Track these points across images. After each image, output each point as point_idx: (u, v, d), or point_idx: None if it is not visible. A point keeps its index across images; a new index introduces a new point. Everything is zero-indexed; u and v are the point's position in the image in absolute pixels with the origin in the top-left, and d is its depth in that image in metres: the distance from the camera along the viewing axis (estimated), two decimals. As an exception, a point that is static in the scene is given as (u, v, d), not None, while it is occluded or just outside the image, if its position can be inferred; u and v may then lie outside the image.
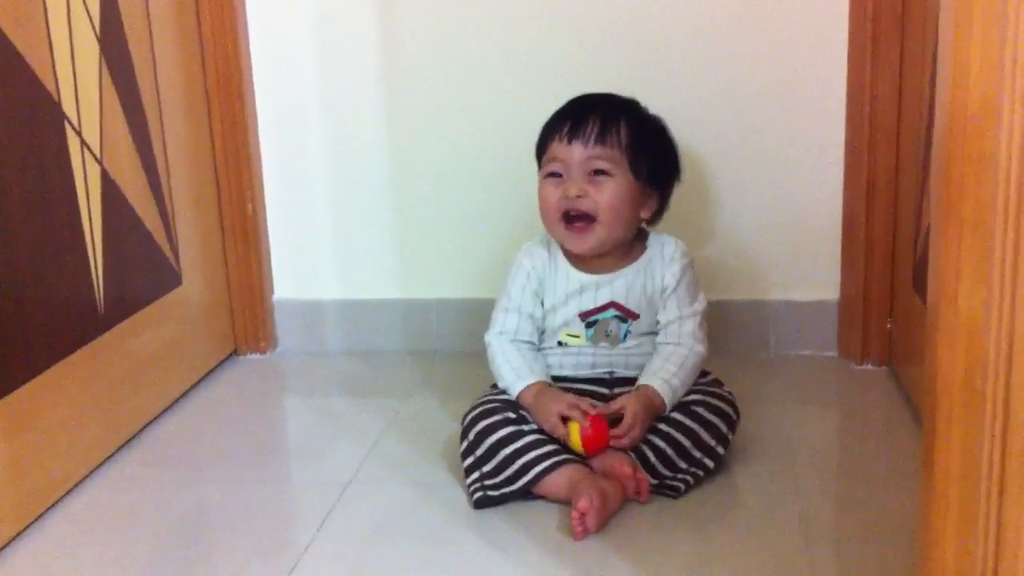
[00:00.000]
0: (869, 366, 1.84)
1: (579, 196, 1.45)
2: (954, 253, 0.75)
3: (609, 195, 1.45)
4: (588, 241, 1.47)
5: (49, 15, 1.44)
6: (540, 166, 1.52)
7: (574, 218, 1.47)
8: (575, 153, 1.46)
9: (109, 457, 1.58)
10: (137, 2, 1.68)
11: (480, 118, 1.88)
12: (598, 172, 1.46)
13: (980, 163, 0.73)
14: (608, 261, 1.52)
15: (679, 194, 1.64)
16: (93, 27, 1.55)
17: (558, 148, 1.47)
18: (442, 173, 1.93)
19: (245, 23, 1.90)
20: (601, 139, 1.45)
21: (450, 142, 1.91)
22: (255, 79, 1.93)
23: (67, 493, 1.47)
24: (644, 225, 1.54)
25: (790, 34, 1.79)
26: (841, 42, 1.77)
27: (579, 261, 1.52)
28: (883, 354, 1.83)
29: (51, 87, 1.44)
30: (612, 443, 1.39)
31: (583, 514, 1.28)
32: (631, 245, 1.53)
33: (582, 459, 1.40)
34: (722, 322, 1.88)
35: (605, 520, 1.32)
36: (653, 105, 1.56)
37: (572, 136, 1.46)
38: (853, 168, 1.80)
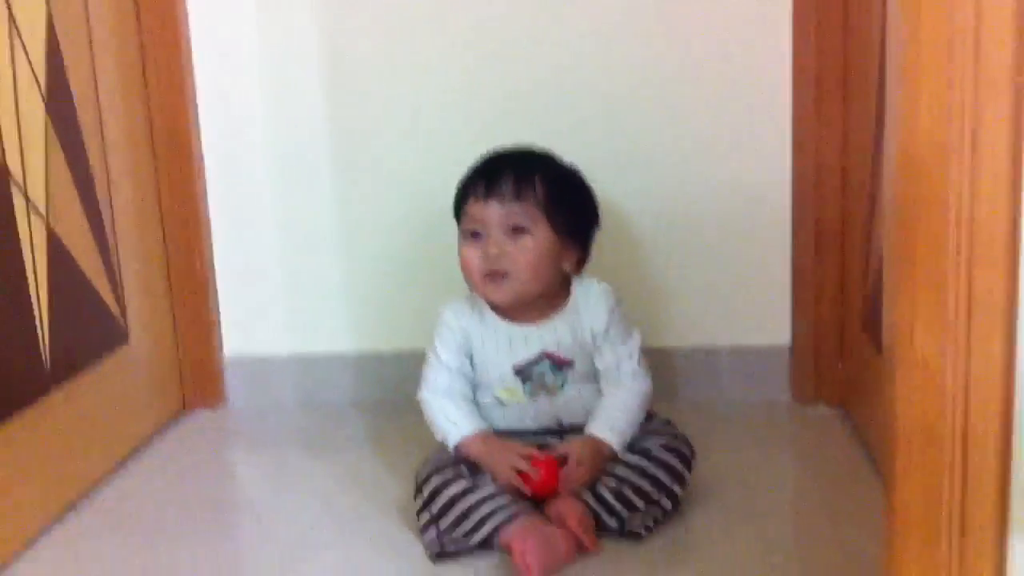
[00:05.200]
0: (822, 408, 1.85)
1: (498, 255, 1.45)
2: (908, 298, 0.76)
3: (527, 253, 1.46)
4: (503, 291, 1.48)
5: (-8, 72, 1.42)
6: (459, 223, 1.52)
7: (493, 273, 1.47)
8: (492, 212, 1.46)
9: (55, 520, 1.53)
10: (83, 61, 1.66)
11: (428, 170, 1.88)
12: (516, 229, 1.46)
13: (932, 207, 0.74)
14: (534, 311, 1.52)
15: (627, 241, 1.64)
16: (38, 85, 1.53)
17: (475, 207, 1.47)
18: (391, 225, 1.93)
19: (192, 82, 1.90)
20: (517, 196, 1.45)
21: (398, 194, 1.92)
22: (203, 135, 1.92)
23: (10, 560, 1.42)
24: (569, 273, 1.53)
25: (735, 78, 1.81)
26: (786, 86, 1.79)
27: (506, 313, 1.52)
28: (835, 396, 1.85)
29: (-5, 144, 1.42)
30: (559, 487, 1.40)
31: (522, 553, 1.28)
32: (556, 294, 1.53)
33: (538, 509, 1.39)
34: (673, 369, 1.89)
35: (552, 562, 1.30)
36: (597, 154, 1.57)
37: (488, 195, 1.46)
38: (801, 211, 1.82)
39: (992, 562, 0.77)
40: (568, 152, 1.55)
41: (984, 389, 0.74)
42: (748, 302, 1.89)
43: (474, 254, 1.48)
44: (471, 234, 1.48)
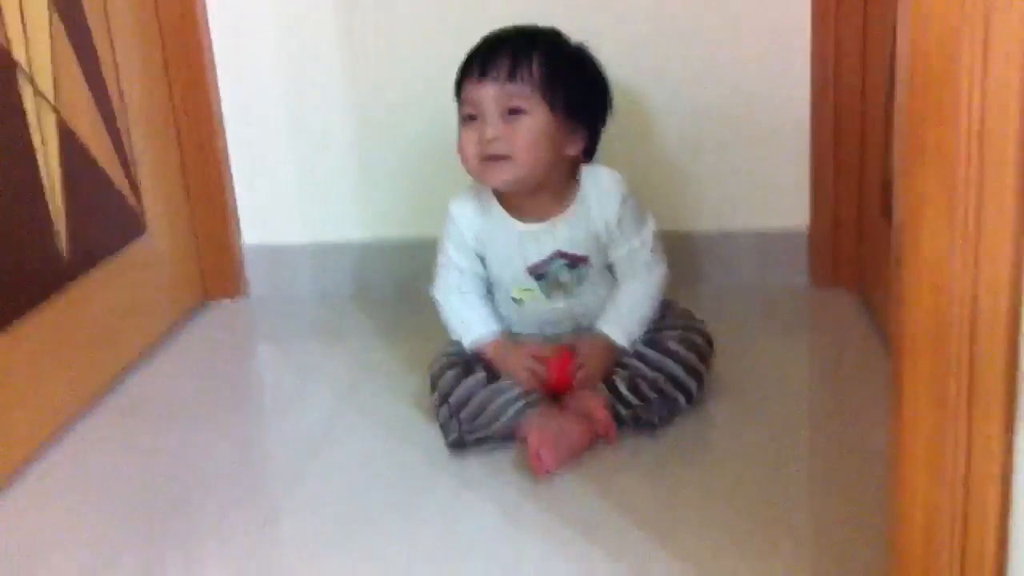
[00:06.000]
0: (840, 292, 1.85)
1: (494, 139, 1.39)
2: (917, 197, 0.75)
3: (524, 134, 1.39)
4: (502, 174, 1.41)
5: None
6: (458, 107, 1.46)
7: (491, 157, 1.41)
8: (487, 93, 1.39)
9: (81, 411, 1.56)
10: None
11: (440, 57, 1.84)
12: (513, 111, 1.39)
13: (942, 100, 0.72)
14: (543, 204, 1.46)
15: (643, 126, 1.60)
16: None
17: (471, 88, 1.41)
18: (403, 111, 1.91)
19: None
20: (512, 75, 1.39)
21: (410, 80, 1.89)
22: (212, 21, 1.90)
23: (37, 451, 1.46)
24: (576, 160, 1.47)
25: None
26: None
27: (514, 209, 1.47)
28: (853, 280, 1.84)
29: (-1, 35, 1.41)
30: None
31: (536, 447, 1.30)
32: (564, 184, 1.47)
33: (555, 399, 1.40)
34: (691, 253, 1.88)
35: (565, 455, 1.33)
36: (612, 34, 1.53)
37: (483, 75, 1.40)
38: (821, 96, 1.79)
39: (998, 458, 0.78)
40: (582, 30, 1.49)
41: (992, 290, 0.74)
42: (767, 186, 1.87)
43: (470, 138, 1.41)
44: (468, 117, 1.42)
